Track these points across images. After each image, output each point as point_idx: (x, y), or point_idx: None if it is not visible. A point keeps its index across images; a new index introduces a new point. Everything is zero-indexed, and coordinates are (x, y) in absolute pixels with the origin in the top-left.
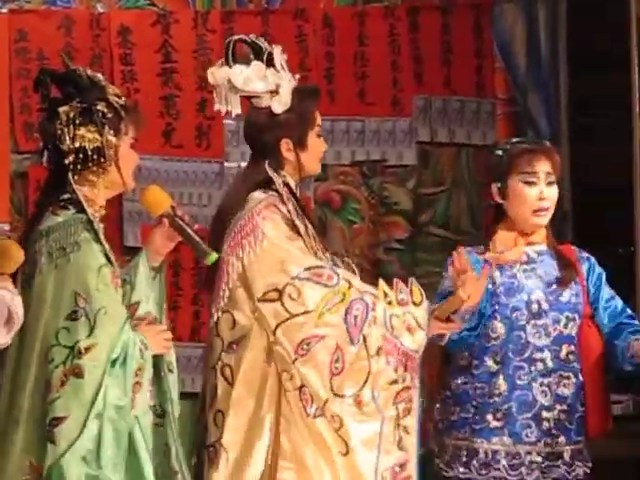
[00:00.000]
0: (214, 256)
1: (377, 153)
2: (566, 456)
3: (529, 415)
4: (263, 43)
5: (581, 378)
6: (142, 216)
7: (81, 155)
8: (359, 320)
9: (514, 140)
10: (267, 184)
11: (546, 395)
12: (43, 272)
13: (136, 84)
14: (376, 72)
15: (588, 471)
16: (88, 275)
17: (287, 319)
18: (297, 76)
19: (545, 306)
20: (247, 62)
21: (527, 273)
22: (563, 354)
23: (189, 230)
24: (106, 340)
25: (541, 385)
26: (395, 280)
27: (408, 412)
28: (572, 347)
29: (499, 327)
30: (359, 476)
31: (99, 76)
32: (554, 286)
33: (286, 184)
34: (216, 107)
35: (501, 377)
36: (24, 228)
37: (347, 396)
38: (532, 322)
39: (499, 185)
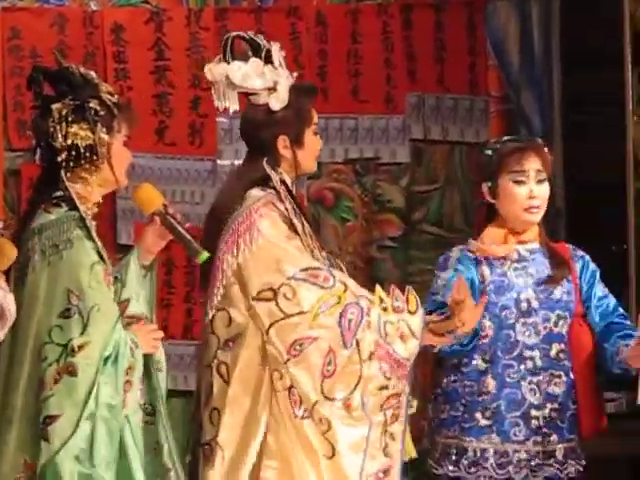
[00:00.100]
0: (205, 255)
1: (370, 151)
2: (558, 454)
3: (518, 413)
4: (261, 40)
5: (572, 376)
6: (135, 214)
7: (74, 153)
8: (353, 324)
9: (504, 139)
10: (264, 181)
11: (535, 394)
12: (36, 270)
13: (129, 82)
14: (369, 70)
15: (581, 469)
16: (81, 272)
17: (281, 319)
18: (295, 74)
19: (535, 304)
20: (245, 59)
21: (518, 271)
22: (553, 352)
23: (180, 228)
24: (99, 338)
25: (530, 384)
26: (392, 287)
27: (396, 419)
28: (563, 345)
29: (488, 325)
30: (344, 479)
31: (92, 74)
32: (545, 284)
33: (283, 182)
34: (215, 104)
35: (490, 375)
36: (17, 226)
37: (337, 399)
38: (521, 320)
39: (489, 184)
